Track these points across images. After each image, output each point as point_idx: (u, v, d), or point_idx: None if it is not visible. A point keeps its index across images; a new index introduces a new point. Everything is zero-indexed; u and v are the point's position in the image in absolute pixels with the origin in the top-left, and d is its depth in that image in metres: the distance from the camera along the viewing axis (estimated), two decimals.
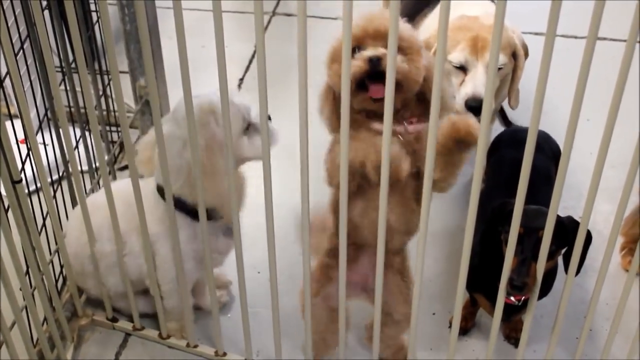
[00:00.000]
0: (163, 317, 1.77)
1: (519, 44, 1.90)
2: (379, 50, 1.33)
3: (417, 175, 1.38)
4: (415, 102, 1.40)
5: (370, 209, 1.41)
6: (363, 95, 1.35)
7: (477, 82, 1.83)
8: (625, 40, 1.07)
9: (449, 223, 2.15)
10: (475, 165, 1.21)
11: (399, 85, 1.31)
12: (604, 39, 2.71)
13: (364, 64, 1.33)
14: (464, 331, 1.85)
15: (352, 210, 1.43)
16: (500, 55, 1.82)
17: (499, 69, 1.87)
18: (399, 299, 1.56)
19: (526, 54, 1.94)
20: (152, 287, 1.70)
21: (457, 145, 1.30)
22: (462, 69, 1.87)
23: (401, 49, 1.34)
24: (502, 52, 1.85)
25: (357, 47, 1.35)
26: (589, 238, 1.48)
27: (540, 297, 1.53)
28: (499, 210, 1.55)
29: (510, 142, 1.93)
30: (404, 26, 1.36)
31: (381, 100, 1.20)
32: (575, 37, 2.81)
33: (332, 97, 1.42)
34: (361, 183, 1.38)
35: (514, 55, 1.89)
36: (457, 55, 1.85)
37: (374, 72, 1.33)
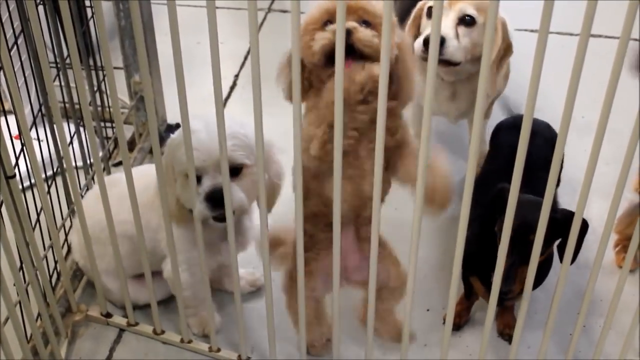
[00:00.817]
0: (184, 318, 1.77)
1: (500, 18, 1.90)
2: (349, 24, 1.33)
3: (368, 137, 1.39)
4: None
5: (345, 181, 1.40)
6: (332, 69, 1.35)
7: (442, 25, 1.82)
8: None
9: (445, 214, 2.15)
10: (468, 160, 1.21)
11: (369, 60, 1.33)
12: (599, 36, 2.71)
13: (333, 37, 1.32)
14: (458, 327, 1.85)
15: (327, 185, 1.43)
16: (471, 8, 1.86)
17: (470, 23, 1.87)
18: (385, 267, 1.55)
19: (510, 51, 1.94)
20: (173, 288, 1.71)
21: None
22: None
23: (373, 25, 1.35)
24: (476, 11, 1.86)
25: (328, 21, 1.36)
26: (585, 227, 1.47)
27: (535, 286, 1.53)
28: (498, 197, 1.55)
29: (510, 128, 1.94)
30: (377, 2, 1.37)
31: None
32: (571, 34, 2.82)
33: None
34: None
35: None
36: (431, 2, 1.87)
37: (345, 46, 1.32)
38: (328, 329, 1.74)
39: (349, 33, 1.31)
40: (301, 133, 1.35)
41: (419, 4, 1.96)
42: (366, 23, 1.36)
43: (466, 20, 1.87)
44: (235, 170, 1.50)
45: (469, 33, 1.89)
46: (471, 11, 1.87)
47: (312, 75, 1.42)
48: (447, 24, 1.85)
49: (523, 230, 1.45)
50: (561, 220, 1.48)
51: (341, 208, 1.40)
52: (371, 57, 1.34)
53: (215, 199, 1.46)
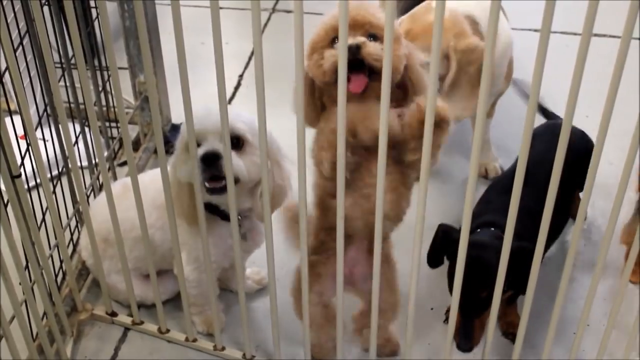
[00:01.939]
0: (189, 316, 1.78)
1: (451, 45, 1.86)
2: (357, 39, 1.32)
3: (397, 159, 1.38)
4: (396, 90, 1.38)
5: (360, 199, 1.41)
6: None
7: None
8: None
9: (448, 215, 2.15)
10: (470, 160, 1.21)
11: (379, 73, 1.32)
12: (603, 35, 2.71)
13: None
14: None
15: (348, 197, 1.43)
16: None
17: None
18: (385, 287, 1.56)
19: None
20: (180, 283, 1.70)
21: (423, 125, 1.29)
22: None
23: (380, 38, 1.34)
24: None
25: (335, 38, 1.34)
26: (528, 254, 1.44)
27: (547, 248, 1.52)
28: (443, 238, 1.57)
29: (544, 134, 1.91)
30: (383, 15, 1.36)
31: (361, 93, 1.21)
32: (575, 34, 2.82)
33: (310, 89, 1.41)
34: (352, 162, 1.37)
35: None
36: None
37: (354, 61, 1.31)
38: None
39: (358, 48, 1.30)
40: (315, 153, 1.38)
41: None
42: (373, 37, 1.34)
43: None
44: (237, 142, 1.50)
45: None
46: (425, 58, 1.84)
47: (325, 96, 1.41)
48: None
49: (473, 289, 1.46)
50: (515, 253, 1.47)
51: (356, 225, 1.41)
52: (380, 70, 1.33)
53: (209, 159, 1.45)
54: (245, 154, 1.51)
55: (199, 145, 1.46)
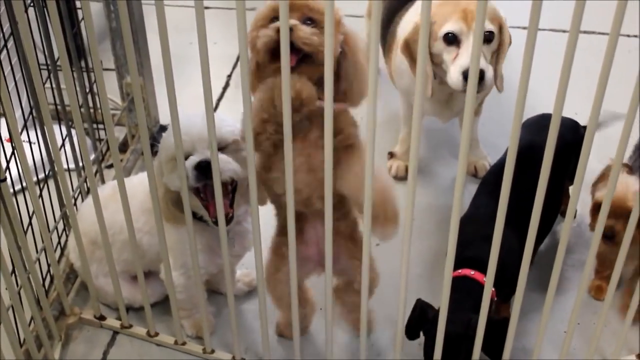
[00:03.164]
0: (178, 320, 1.77)
1: (503, 17, 1.90)
2: (289, 21, 1.32)
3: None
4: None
5: (299, 169, 1.41)
6: (277, 65, 1.32)
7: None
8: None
9: (437, 213, 2.15)
10: (459, 157, 1.21)
11: (310, 58, 1.35)
12: (592, 32, 2.71)
13: (274, 33, 1.34)
14: None
15: (271, 176, 1.45)
16: (489, 24, 1.84)
17: (490, 39, 1.86)
18: (355, 266, 1.55)
19: (509, 41, 1.94)
20: (168, 287, 1.70)
21: None
22: (455, 42, 1.86)
23: (318, 22, 1.36)
24: (491, 22, 1.85)
25: (274, 18, 1.38)
26: (506, 327, 1.50)
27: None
28: (419, 315, 1.59)
29: (534, 125, 1.90)
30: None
31: (292, 69, 1.25)
32: (564, 32, 2.82)
33: (255, 63, 1.43)
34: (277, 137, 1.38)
35: (500, 29, 1.89)
36: (450, 26, 1.83)
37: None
38: (310, 311, 1.78)
39: (289, 30, 1.32)
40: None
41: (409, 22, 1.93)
42: (310, 20, 1.37)
43: (486, 37, 1.85)
44: (225, 146, 1.53)
45: (489, 49, 1.88)
46: (489, 26, 1.85)
47: (260, 71, 1.44)
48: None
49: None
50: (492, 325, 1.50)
51: (296, 198, 1.39)
52: (311, 54, 1.35)
53: (202, 168, 1.47)
54: (232, 152, 1.54)
55: (188, 156, 1.49)
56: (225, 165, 1.49)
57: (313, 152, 1.42)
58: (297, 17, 1.36)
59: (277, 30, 1.31)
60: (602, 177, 1.81)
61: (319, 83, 1.32)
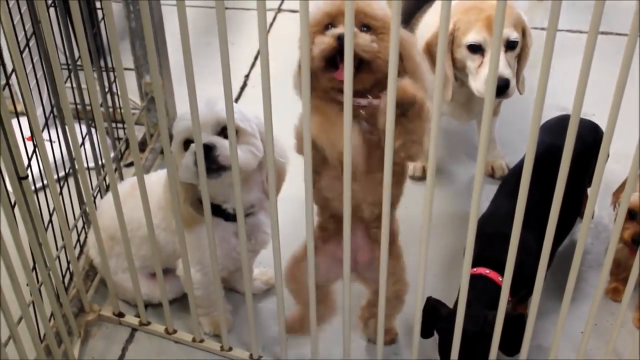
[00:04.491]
0: (196, 317, 1.78)
1: (526, 21, 1.90)
2: None
3: (377, 144, 1.39)
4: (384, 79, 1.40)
5: (336, 180, 1.41)
6: (331, 75, 1.36)
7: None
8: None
9: (455, 214, 2.15)
10: (478, 157, 1.21)
11: (368, 65, 1.34)
12: (610, 33, 2.70)
13: (333, 41, 1.33)
14: None
15: (320, 181, 1.45)
16: (513, 32, 1.85)
17: (514, 46, 1.87)
18: (389, 275, 1.55)
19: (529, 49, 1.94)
20: (185, 284, 1.70)
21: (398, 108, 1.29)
22: (479, 50, 1.87)
23: (374, 28, 1.35)
24: (514, 29, 1.85)
25: (329, 25, 1.37)
26: (522, 322, 1.50)
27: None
28: (431, 313, 1.59)
29: (554, 126, 1.91)
30: (378, 5, 1.38)
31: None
32: (580, 32, 2.81)
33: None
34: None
35: (523, 33, 1.90)
36: (474, 37, 1.85)
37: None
38: (329, 312, 1.74)
39: None
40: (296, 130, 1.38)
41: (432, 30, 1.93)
42: (366, 27, 1.36)
43: (510, 44, 1.86)
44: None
45: (513, 55, 1.88)
46: (514, 35, 1.85)
47: (314, 79, 1.42)
48: (502, 61, 1.81)
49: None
50: (510, 321, 1.50)
51: (335, 206, 1.40)
52: (370, 61, 1.34)
53: (205, 151, 1.45)
54: (240, 142, 1.52)
55: (192, 141, 1.47)
56: (226, 150, 1.48)
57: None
58: (355, 24, 1.32)
59: (335, 37, 1.32)
60: (623, 186, 1.81)
61: (375, 85, 1.36)
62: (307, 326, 1.64)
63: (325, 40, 1.34)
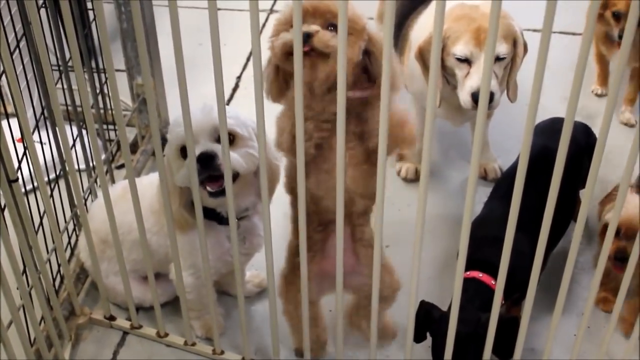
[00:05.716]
0: (188, 320, 1.77)
1: (518, 31, 1.90)
2: (311, 27, 1.36)
3: (361, 136, 1.42)
4: (366, 79, 1.43)
5: (325, 175, 1.42)
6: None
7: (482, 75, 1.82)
8: None
9: (448, 216, 2.15)
10: (471, 161, 1.20)
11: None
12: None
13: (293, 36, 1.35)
14: None
15: (308, 180, 1.44)
16: (503, 45, 1.85)
17: (503, 58, 1.87)
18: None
19: (525, 50, 1.94)
20: (178, 287, 1.70)
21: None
22: (466, 61, 1.86)
23: None
24: (505, 41, 1.85)
25: None
26: (515, 325, 1.49)
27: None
28: (425, 316, 1.59)
29: (546, 129, 1.91)
30: (349, 5, 1.38)
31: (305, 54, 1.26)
32: (574, 34, 2.81)
33: (275, 67, 1.45)
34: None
35: (514, 44, 1.89)
36: (461, 49, 1.85)
37: (308, 48, 1.35)
38: (323, 331, 1.75)
39: (308, 36, 1.34)
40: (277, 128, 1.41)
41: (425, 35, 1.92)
42: (333, 26, 1.37)
43: (498, 57, 1.87)
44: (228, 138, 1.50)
45: (501, 66, 1.89)
46: (503, 50, 1.86)
47: (287, 75, 1.44)
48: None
49: None
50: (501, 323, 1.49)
51: (326, 205, 1.40)
52: (330, 55, 1.36)
53: (205, 159, 1.46)
54: (237, 147, 1.52)
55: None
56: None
57: (353, 146, 1.42)
58: (320, 23, 1.37)
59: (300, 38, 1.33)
60: (609, 197, 1.81)
61: (353, 82, 1.39)
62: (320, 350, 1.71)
63: (288, 37, 1.36)
